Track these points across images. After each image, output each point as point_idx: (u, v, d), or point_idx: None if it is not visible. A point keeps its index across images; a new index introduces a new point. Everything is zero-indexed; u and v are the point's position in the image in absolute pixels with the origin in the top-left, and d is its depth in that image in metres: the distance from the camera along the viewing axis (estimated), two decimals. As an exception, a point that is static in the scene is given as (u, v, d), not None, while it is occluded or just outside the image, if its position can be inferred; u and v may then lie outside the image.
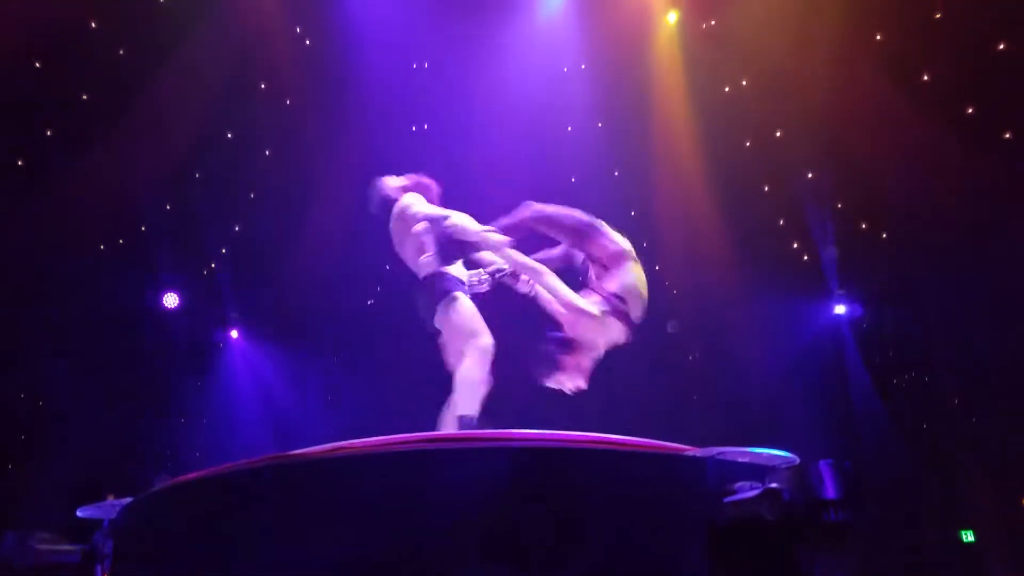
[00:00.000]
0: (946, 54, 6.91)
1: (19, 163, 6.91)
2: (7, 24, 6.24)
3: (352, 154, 7.62)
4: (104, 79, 6.90)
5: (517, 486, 2.55)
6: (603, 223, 4.01)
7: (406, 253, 4.04)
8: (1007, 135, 7.04)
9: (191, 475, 3.10)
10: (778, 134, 7.76)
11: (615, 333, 3.80)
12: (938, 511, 7.51)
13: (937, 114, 6.95)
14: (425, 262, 3.87)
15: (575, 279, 4.01)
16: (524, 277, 3.98)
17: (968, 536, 7.52)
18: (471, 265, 4.05)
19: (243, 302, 8.20)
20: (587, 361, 3.79)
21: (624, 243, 3.98)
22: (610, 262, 3.90)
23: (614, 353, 3.97)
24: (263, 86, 7.66)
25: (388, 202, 4.14)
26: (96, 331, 7.23)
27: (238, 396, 8.21)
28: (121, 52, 6.99)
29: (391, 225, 4.08)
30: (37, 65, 6.68)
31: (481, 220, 4.16)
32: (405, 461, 2.65)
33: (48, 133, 6.93)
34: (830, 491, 2.53)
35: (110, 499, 7.55)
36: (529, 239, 4.00)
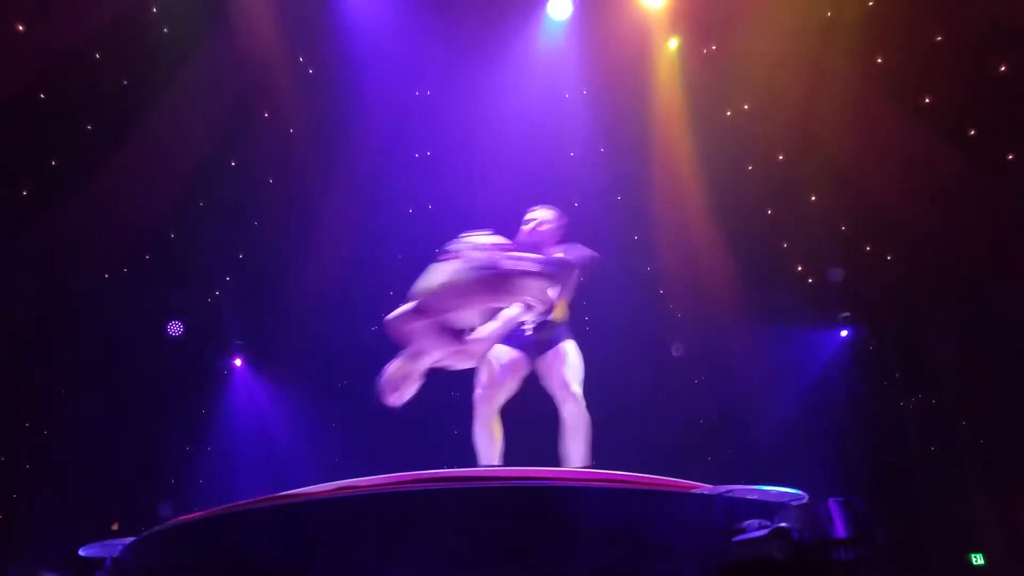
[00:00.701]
0: (947, 76, 6.93)
1: (24, 193, 6.94)
2: (12, 57, 6.30)
3: (355, 181, 7.66)
4: (108, 109, 6.94)
5: (520, 525, 2.52)
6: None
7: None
8: (1010, 156, 7.04)
9: (194, 514, 3.07)
10: (780, 157, 7.78)
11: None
12: (947, 534, 7.43)
13: (939, 136, 6.96)
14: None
15: None
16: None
17: (978, 559, 7.45)
18: None
19: (247, 329, 8.20)
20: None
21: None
22: None
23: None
24: (266, 114, 7.70)
25: None
26: (100, 359, 7.21)
27: (242, 424, 8.19)
28: (125, 82, 7.04)
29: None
30: (42, 96, 6.73)
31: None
32: (407, 501, 2.61)
33: (53, 163, 6.96)
34: (840, 530, 2.49)
35: (115, 528, 7.53)
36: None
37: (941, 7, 6.73)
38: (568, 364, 4.11)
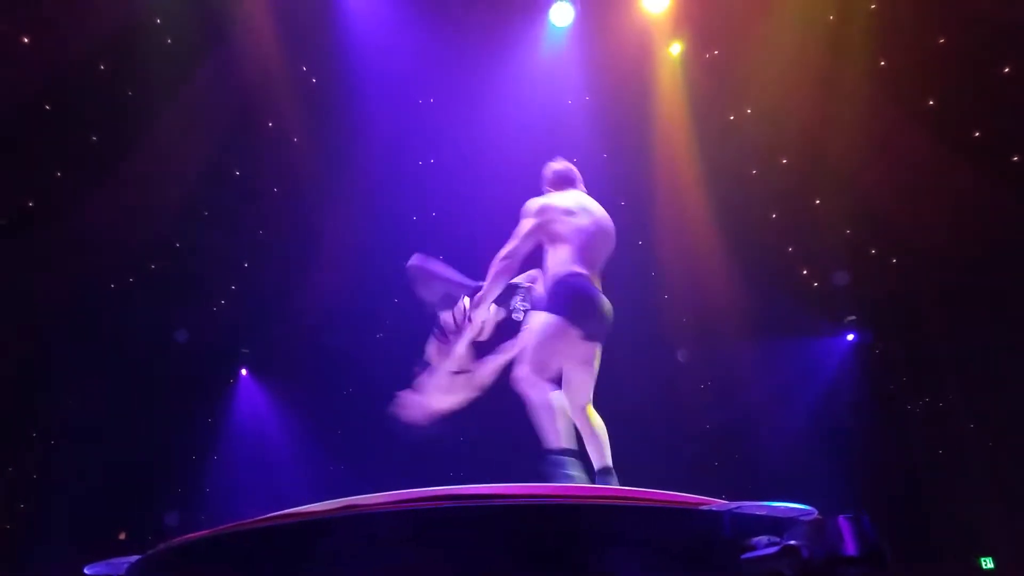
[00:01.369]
0: (951, 79, 6.91)
1: (29, 204, 6.96)
2: (17, 67, 6.33)
3: (358, 190, 7.66)
4: (112, 120, 6.95)
5: (524, 544, 2.51)
6: None
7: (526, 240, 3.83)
8: (1015, 158, 7.02)
9: (200, 533, 3.07)
10: (784, 161, 7.76)
11: None
12: (956, 537, 7.41)
13: (943, 138, 6.94)
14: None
15: None
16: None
17: (987, 563, 7.43)
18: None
19: (252, 338, 8.21)
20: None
21: None
22: None
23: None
24: (270, 124, 7.71)
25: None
26: (105, 369, 7.24)
27: (248, 433, 8.21)
28: (129, 93, 7.05)
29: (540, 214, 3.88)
30: (47, 107, 6.75)
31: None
32: (414, 521, 2.60)
33: (58, 174, 6.98)
34: (850, 548, 2.47)
35: (122, 537, 7.52)
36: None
37: (944, 10, 6.71)
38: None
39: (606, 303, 3.79)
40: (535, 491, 2.76)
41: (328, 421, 8.11)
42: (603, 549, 2.54)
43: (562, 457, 3.50)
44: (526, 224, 3.84)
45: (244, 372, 8.43)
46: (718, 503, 2.72)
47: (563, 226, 3.84)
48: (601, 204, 8.05)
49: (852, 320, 8.17)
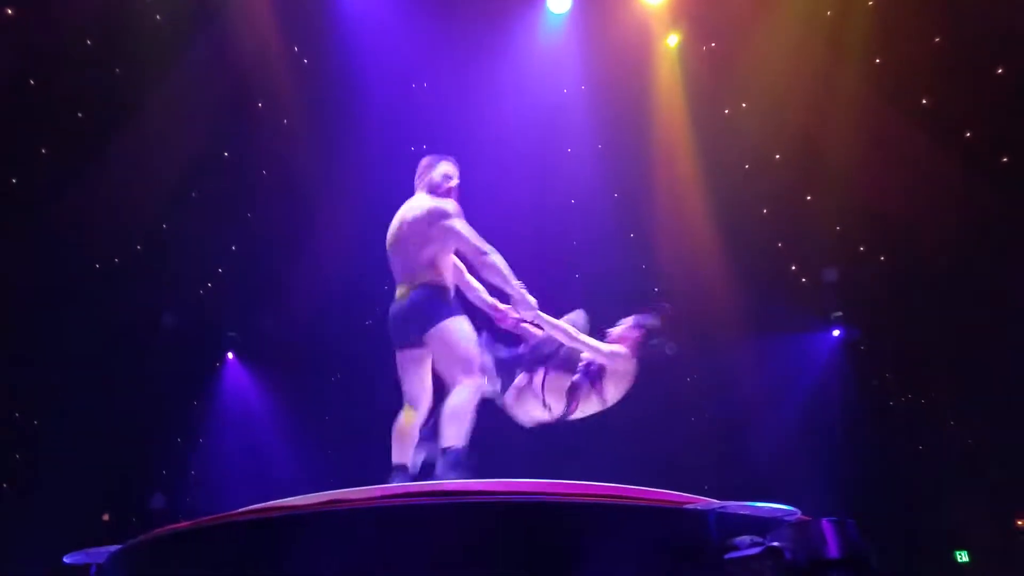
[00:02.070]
0: (945, 78, 6.92)
1: (13, 181, 6.85)
2: (1, 41, 6.21)
3: (350, 174, 7.60)
4: (100, 98, 6.84)
5: (508, 542, 2.50)
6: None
7: (417, 256, 3.82)
8: (1005, 159, 7.06)
9: (181, 524, 3.05)
10: (777, 157, 7.77)
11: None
12: (933, 531, 7.52)
13: (936, 138, 6.98)
14: (446, 277, 3.79)
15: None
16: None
17: (962, 556, 7.54)
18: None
19: (240, 322, 8.16)
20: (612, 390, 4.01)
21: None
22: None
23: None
24: (260, 106, 7.61)
25: (433, 188, 4.05)
26: (91, 351, 7.16)
27: (233, 416, 8.18)
28: (117, 71, 6.93)
29: (417, 220, 3.86)
30: (32, 83, 6.63)
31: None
32: (398, 517, 2.58)
33: (43, 151, 6.87)
34: (833, 551, 2.49)
35: (106, 519, 7.49)
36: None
37: (941, 10, 6.71)
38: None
39: (393, 310, 3.88)
40: (516, 488, 2.74)
41: (315, 406, 8.09)
42: (586, 548, 2.54)
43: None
44: None
45: (231, 356, 8.38)
46: (703, 502, 2.73)
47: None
48: (594, 195, 8.05)
49: (839, 316, 8.22)
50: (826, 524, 2.54)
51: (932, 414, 7.88)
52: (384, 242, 4.05)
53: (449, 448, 3.51)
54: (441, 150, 7.84)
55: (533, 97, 7.68)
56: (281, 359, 8.09)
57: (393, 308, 3.86)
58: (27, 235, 6.62)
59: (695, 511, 2.65)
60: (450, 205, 3.92)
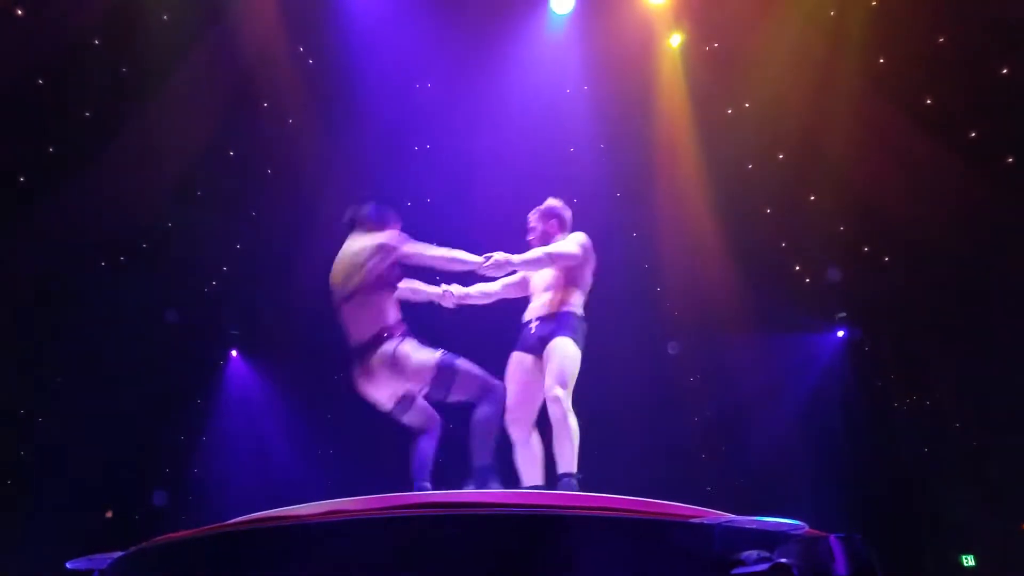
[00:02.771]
0: (949, 78, 6.92)
1: (21, 179, 6.90)
2: (10, 41, 6.25)
3: (354, 173, 7.62)
4: (106, 96, 6.89)
5: (508, 556, 2.44)
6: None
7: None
8: (1009, 159, 7.04)
9: (182, 533, 3.04)
10: (780, 156, 7.76)
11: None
12: (938, 535, 7.47)
13: (939, 137, 6.95)
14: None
15: None
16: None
17: (968, 560, 7.49)
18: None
19: (243, 320, 8.18)
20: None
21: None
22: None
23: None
24: (265, 104, 7.64)
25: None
26: (95, 347, 7.19)
27: (237, 414, 8.19)
28: (124, 69, 6.99)
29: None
30: (40, 82, 6.68)
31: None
32: (397, 529, 2.52)
33: (50, 150, 6.91)
34: (841, 567, 2.46)
35: (109, 515, 7.48)
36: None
37: (944, 9, 6.71)
38: (552, 363, 3.81)
39: None
40: (518, 499, 2.68)
41: (318, 403, 8.08)
42: (590, 562, 2.48)
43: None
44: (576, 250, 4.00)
45: (234, 353, 8.40)
46: (709, 516, 2.68)
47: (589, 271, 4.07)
48: (597, 195, 8.06)
49: (842, 317, 8.19)
50: (834, 540, 2.50)
51: (936, 416, 7.83)
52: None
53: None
54: (443, 149, 7.93)
55: (536, 97, 7.68)
56: (284, 357, 8.10)
57: None
58: (33, 232, 6.66)
59: (701, 525, 2.59)
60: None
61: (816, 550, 2.46)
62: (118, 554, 3.15)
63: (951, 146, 6.94)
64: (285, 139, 7.69)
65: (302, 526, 2.62)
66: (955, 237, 7.05)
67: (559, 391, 3.73)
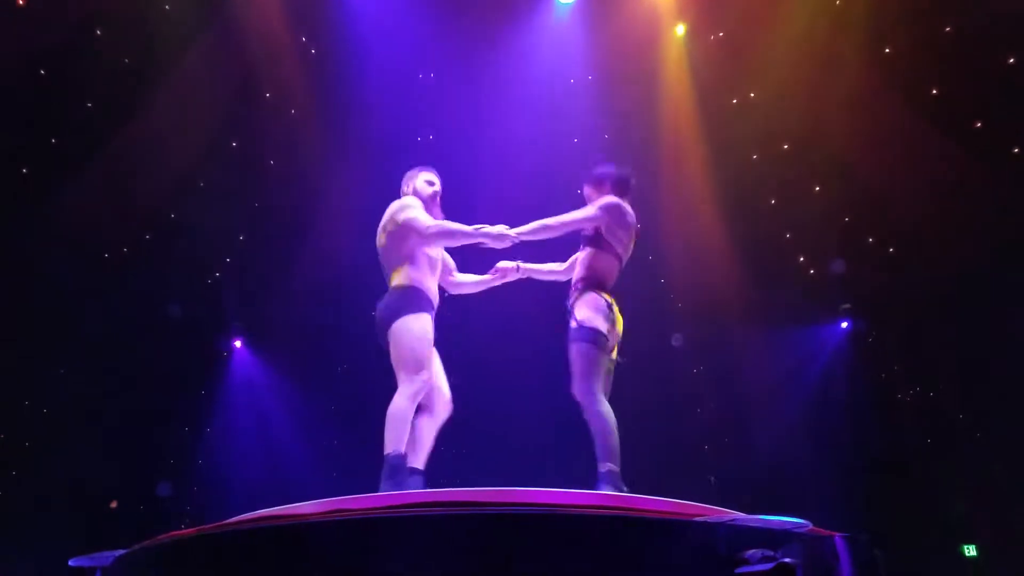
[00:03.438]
0: (955, 68, 6.88)
1: (23, 171, 6.88)
2: (12, 31, 6.23)
3: (357, 164, 7.59)
4: (109, 87, 6.85)
5: (512, 555, 2.45)
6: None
7: (388, 259, 3.95)
8: (1015, 150, 7.01)
9: (185, 531, 3.04)
10: (785, 147, 7.73)
11: None
12: (941, 524, 7.48)
13: (945, 128, 6.93)
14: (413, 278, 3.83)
15: None
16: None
17: (970, 550, 7.50)
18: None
19: (247, 312, 8.17)
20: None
21: None
22: None
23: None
24: (268, 95, 7.62)
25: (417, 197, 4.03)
26: (99, 339, 7.19)
27: (241, 405, 8.19)
28: (126, 60, 6.95)
29: (384, 222, 3.96)
30: (42, 72, 6.66)
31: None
32: (399, 527, 2.52)
33: (52, 141, 6.90)
34: (845, 568, 2.45)
35: (113, 506, 7.50)
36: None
37: (951, -2, 6.68)
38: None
39: None
40: (522, 498, 2.69)
41: (322, 395, 8.10)
42: (594, 561, 2.48)
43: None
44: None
45: (238, 345, 8.40)
46: (713, 514, 2.67)
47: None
48: (600, 185, 7.96)
49: (847, 308, 8.18)
50: (839, 540, 2.50)
51: (940, 407, 7.83)
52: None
53: (387, 454, 3.56)
54: (447, 139, 7.90)
55: (540, 87, 7.65)
56: (288, 349, 8.11)
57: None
58: (37, 224, 6.65)
59: (705, 524, 2.59)
60: (406, 199, 3.97)
61: (821, 550, 2.45)
62: (120, 552, 3.15)
63: (957, 137, 6.91)
64: (288, 130, 7.66)
65: (304, 525, 2.62)
66: (961, 228, 7.03)
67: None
